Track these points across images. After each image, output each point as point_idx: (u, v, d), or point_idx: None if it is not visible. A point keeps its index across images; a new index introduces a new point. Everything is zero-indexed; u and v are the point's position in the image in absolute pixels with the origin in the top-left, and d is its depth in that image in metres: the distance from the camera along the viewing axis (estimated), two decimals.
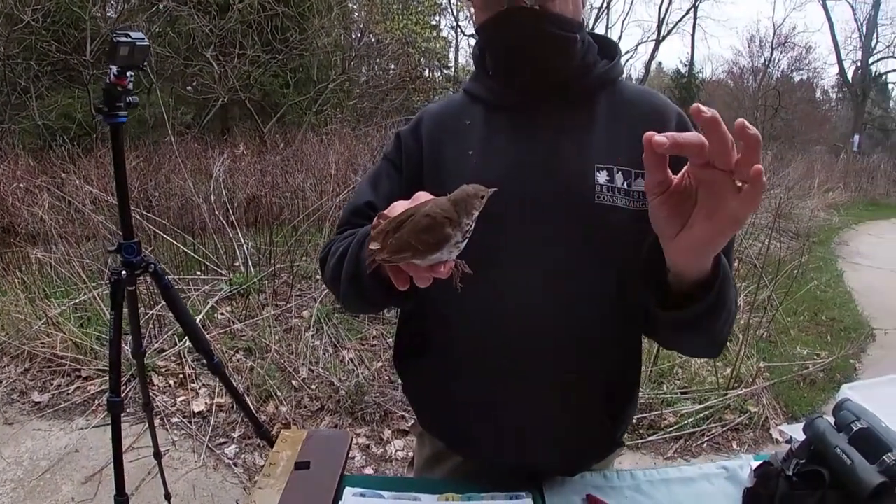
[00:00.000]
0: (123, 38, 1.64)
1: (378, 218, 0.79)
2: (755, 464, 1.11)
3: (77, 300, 3.92)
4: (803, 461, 1.03)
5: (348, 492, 1.07)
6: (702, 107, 0.63)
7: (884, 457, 0.96)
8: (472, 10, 1.06)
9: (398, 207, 0.78)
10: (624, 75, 1.12)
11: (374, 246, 0.75)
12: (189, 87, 9.91)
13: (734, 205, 0.68)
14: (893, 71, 24.15)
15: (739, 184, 0.67)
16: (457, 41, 20.28)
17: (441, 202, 0.74)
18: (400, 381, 1.31)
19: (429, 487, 1.10)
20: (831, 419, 1.08)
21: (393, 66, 13.56)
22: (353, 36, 13.70)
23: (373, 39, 13.20)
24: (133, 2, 8.93)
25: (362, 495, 1.07)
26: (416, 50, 13.49)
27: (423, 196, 0.79)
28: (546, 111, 1.03)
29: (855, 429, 1.02)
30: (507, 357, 1.04)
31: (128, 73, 1.71)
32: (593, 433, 1.13)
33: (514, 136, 1.03)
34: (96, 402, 3.20)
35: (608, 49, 1.10)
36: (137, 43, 1.66)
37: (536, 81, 1.03)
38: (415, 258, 0.73)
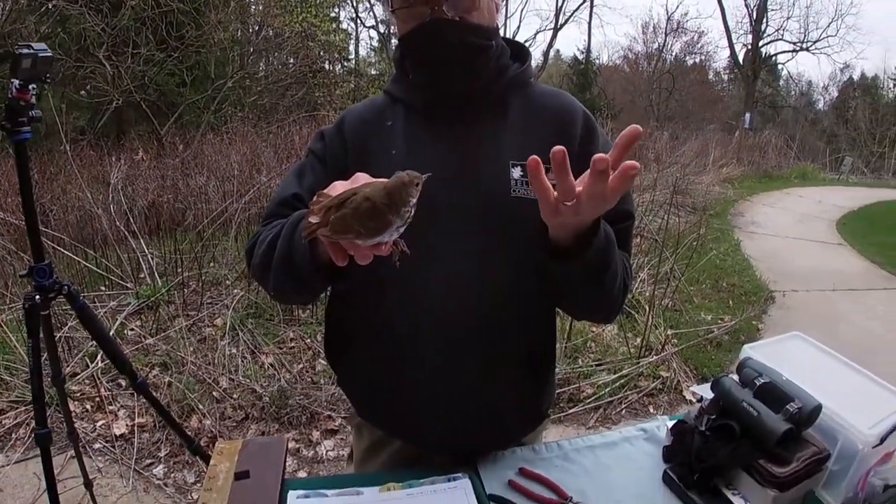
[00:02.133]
0: (25, 50, 1.57)
1: (317, 196, 0.80)
2: (671, 423, 1.19)
3: None
4: (714, 416, 1.11)
5: (292, 495, 1.08)
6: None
7: (787, 406, 1.04)
8: (395, 20, 1.10)
9: (338, 187, 0.81)
10: (534, 77, 1.18)
11: (314, 219, 0.76)
12: (83, 91, 9.36)
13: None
14: (783, 52, 25.48)
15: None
16: (357, 33, 20.11)
17: (379, 189, 0.75)
18: (334, 376, 1.33)
19: (370, 480, 1.13)
20: (736, 377, 1.16)
21: (293, 60, 13.30)
22: (251, 30, 13.33)
23: (271, 33, 12.87)
24: (21, 2, 8.37)
25: (306, 496, 1.08)
26: (315, 43, 13.26)
27: (361, 178, 0.82)
28: (464, 112, 1.09)
29: (758, 383, 1.11)
30: (438, 341, 1.10)
31: (30, 86, 1.62)
32: (522, 406, 1.22)
33: (434, 135, 1.09)
34: (13, 435, 2.99)
35: (520, 53, 1.17)
36: (40, 54, 1.59)
37: (455, 85, 1.08)
38: (357, 239, 0.75)
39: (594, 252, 0.88)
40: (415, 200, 0.77)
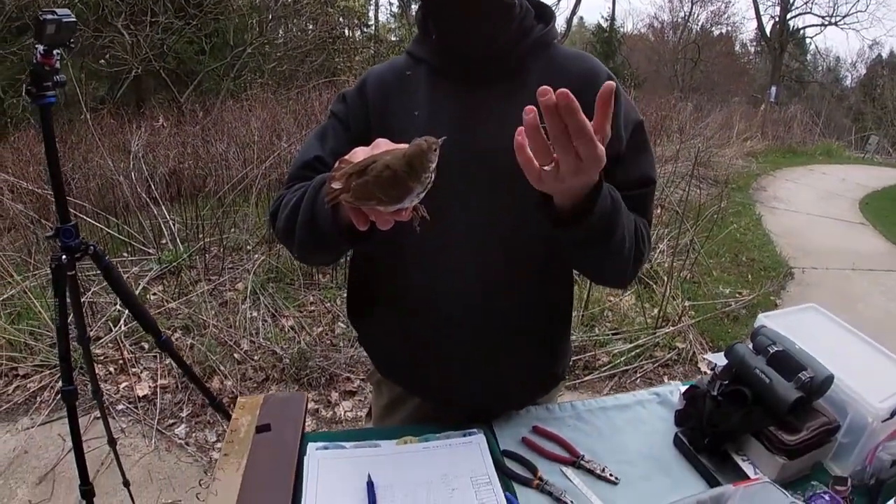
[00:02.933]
0: (50, 16, 1.57)
1: (339, 162, 0.81)
2: (684, 388, 1.21)
3: (5, 295, 3.69)
4: (727, 382, 1.12)
5: (311, 447, 1.11)
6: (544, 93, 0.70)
7: (799, 374, 1.04)
8: None
9: (359, 154, 0.81)
10: (558, 38, 1.16)
11: (336, 185, 0.77)
12: (102, 61, 9.37)
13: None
14: (811, 26, 25.04)
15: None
16: None
17: (399, 157, 0.76)
18: (349, 334, 1.36)
19: (387, 434, 1.16)
20: (750, 345, 1.17)
21: (311, 27, 13.12)
22: None
23: None
24: None
25: (325, 448, 1.11)
26: (334, 9, 13.07)
27: (382, 144, 0.83)
28: (485, 74, 1.08)
29: (771, 351, 1.11)
30: (455, 301, 1.11)
31: (55, 52, 1.63)
32: (536, 367, 1.24)
33: (455, 96, 1.08)
34: (38, 398, 3.07)
35: (544, 13, 1.14)
36: (64, 20, 1.59)
37: (477, 47, 1.06)
38: (378, 206, 0.77)
39: (596, 218, 0.86)
40: (434, 165, 0.77)
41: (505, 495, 1.00)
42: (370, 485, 1.01)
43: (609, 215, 0.89)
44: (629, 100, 1.12)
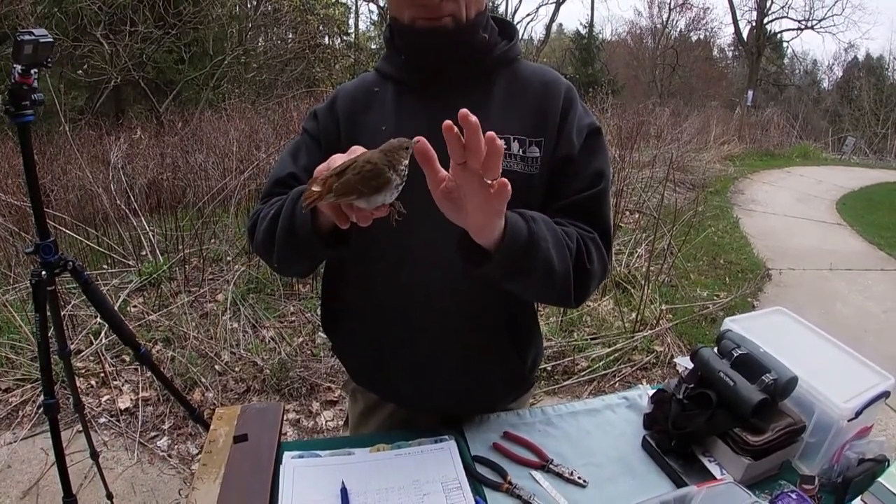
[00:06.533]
0: (27, 37, 1.59)
1: (318, 169, 0.86)
2: (652, 392, 1.23)
3: None
4: (692, 386, 1.15)
5: (287, 455, 1.13)
6: (468, 113, 0.72)
7: (762, 377, 1.08)
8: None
9: (336, 159, 0.86)
10: (521, 54, 1.20)
11: (316, 188, 0.81)
12: (80, 71, 9.31)
13: (489, 199, 0.78)
14: (787, 30, 25.40)
15: (490, 181, 0.76)
16: (356, 7, 19.83)
17: (377, 153, 0.81)
18: (330, 344, 1.38)
19: (361, 442, 1.18)
20: (715, 348, 1.20)
21: (291, 35, 13.19)
22: (249, 5, 13.23)
23: (269, 8, 12.74)
24: None
25: (300, 457, 1.13)
26: (314, 17, 13.10)
27: (358, 149, 0.87)
28: (450, 88, 1.12)
29: (736, 355, 1.14)
30: (424, 309, 1.15)
31: (32, 71, 1.66)
32: (506, 369, 1.25)
33: (422, 111, 1.11)
34: (21, 413, 3.04)
35: (507, 30, 1.19)
36: (41, 40, 1.62)
37: (443, 64, 1.11)
38: (359, 200, 0.81)
39: (503, 255, 0.88)
40: (406, 162, 0.83)
41: (475, 499, 1.03)
42: (344, 491, 1.03)
43: (523, 251, 0.90)
44: (585, 107, 1.16)
